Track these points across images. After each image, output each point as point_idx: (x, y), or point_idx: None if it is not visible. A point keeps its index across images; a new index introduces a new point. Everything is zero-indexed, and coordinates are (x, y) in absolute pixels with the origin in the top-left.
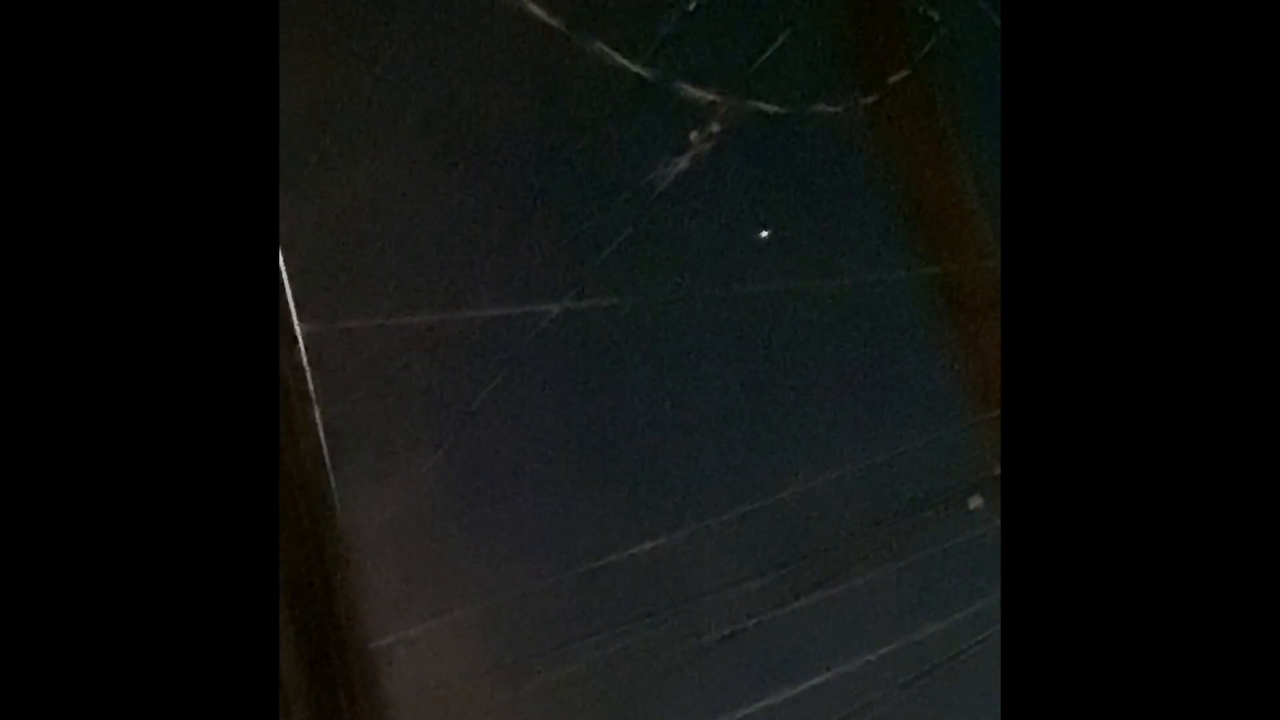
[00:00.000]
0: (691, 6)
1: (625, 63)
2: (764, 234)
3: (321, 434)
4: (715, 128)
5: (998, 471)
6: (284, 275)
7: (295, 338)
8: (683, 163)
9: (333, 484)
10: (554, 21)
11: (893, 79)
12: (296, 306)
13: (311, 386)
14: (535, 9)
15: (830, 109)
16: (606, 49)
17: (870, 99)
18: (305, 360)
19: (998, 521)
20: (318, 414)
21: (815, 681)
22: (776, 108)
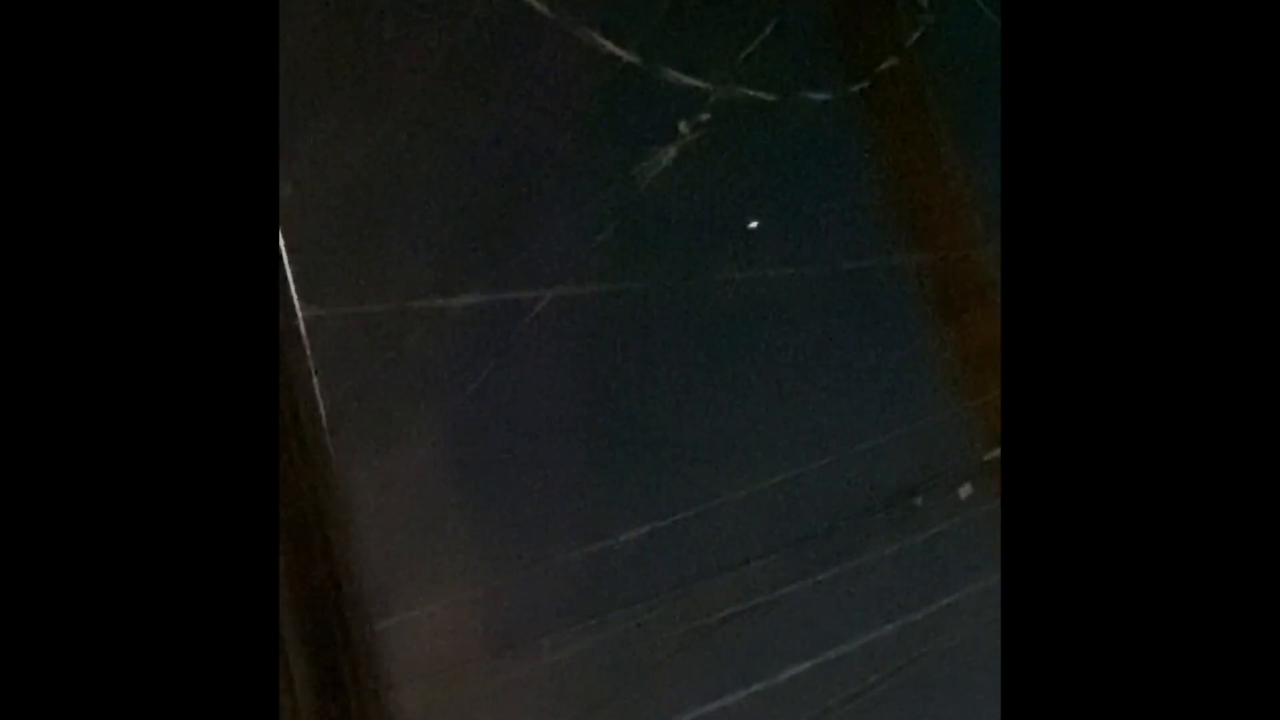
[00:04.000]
0: None
1: (615, 50)
2: (753, 224)
3: (322, 418)
4: (704, 115)
5: (987, 458)
6: (284, 260)
7: (296, 322)
8: (672, 150)
9: (333, 466)
10: (544, 8)
11: (881, 67)
12: (297, 292)
13: (311, 370)
14: None
15: (819, 97)
16: (596, 36)
17: (859, 87)
18: (306, 344)
19: (987, 507)
20: (319, 399)
21: (810, 664)
22: (765, 95)
